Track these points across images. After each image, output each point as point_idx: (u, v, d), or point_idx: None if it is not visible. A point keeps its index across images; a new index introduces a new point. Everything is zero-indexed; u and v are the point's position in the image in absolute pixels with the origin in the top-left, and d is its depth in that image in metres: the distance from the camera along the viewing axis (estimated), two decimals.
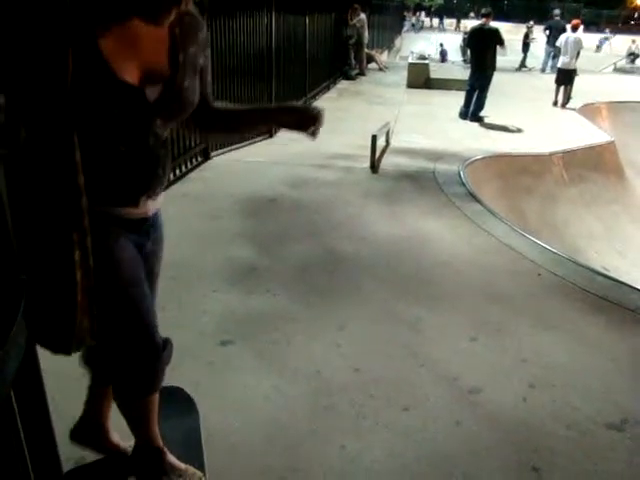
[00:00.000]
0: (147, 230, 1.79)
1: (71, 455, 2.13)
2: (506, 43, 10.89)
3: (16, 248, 1.12)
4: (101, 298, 1.58)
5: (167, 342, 1.91)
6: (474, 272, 4.14)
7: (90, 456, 2.20)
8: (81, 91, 1.38)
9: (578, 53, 12.97)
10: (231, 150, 7.16)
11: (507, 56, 19.55)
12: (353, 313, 3.50)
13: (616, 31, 40.15)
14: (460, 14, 48.47)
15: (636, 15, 63.95)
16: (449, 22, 44.60)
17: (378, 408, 2.67)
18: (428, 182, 6.36)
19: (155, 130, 1.60)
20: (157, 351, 1.79)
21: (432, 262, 4.28)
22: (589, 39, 26.73)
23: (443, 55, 23.52)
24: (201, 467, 2.13)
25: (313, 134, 1.77)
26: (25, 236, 1.44)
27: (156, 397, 1.93)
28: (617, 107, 13.85)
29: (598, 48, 33.12)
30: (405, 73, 15.68)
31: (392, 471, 2.31)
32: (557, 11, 22.77)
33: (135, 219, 1.70)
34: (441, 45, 24.67)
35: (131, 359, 1.77)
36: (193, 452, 2.20)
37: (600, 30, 38.83)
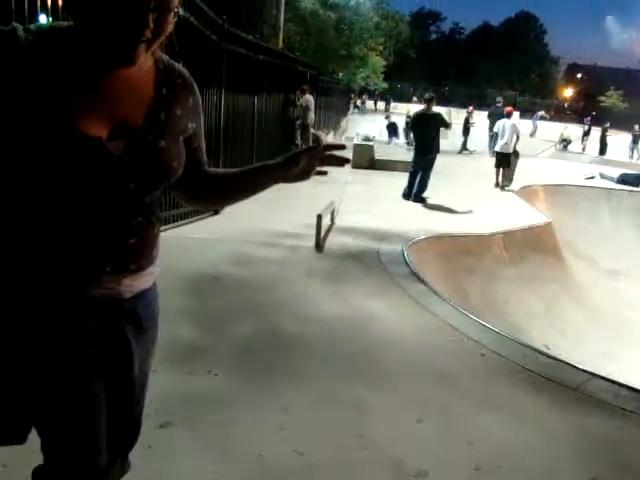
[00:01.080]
0: (123, 317, 1.49)
1: None
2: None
3: None
4: (43, 401, 1.45)
5: (123, 463, 1.73)
6: (419, 352, 4.14)
7: None
8: (34, 140, 1.24)
9: (517, 137, 13.58)
10: (177, 226, 7.12)
11: (448, 139, 20.27)
12: (297, 394, 3.43)
13: (549, 119, 42.27)
14: (403, 98, 50.48)
15: (566, 105, 68.15)
16: (393, 105, 46.17)
17: None
18: (372, 262, 6.41)
19: (126, 192, 1.37)
20: (98, 473, 1.56)
21: (376, 342, 4.26)
22: (525, 125, 28.03)
23: (394, 129, 23.91)
24: None
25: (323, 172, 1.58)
26: None
27: None
28: (553, 190, 14.44)
29: (532, 134, 34.60)
30: (350, 154, 16.05)
31: None
32: (499, 99, 23.99)
33: (100, 299, 1.42)
34: (388, 119, 25.17)
35: (66, 475, 1.55)
36: None
37: (534, 112, 40.76)
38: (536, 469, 2.86)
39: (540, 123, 37.08)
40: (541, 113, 40.85)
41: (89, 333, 1.44)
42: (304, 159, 1.52)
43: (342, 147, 1.56)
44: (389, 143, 22.89)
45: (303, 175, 1.54)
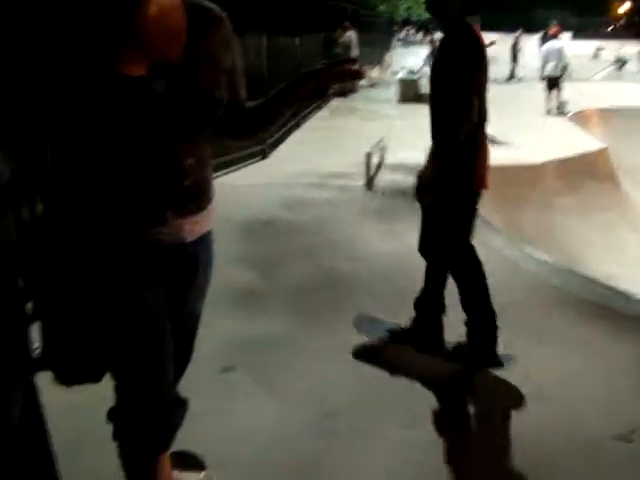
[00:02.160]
0: (188, 260, 1.58)
1: None
2: (494, 54, 10.93)
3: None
4: (117, 344, 1.54)
5: (182, 403, 1.86)
6: None
7: None
8: (82, 89, 1.27)
9: (562, 60, 13.11)
10: (226, 173, 7.17)
11: (496, 65, 19.57)
12: (353, 332, 3.49)
13: (604, 38, 40.39)
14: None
15: (622, 22, 64.63)
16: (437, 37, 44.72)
17: (380, 429, 2.67)
18: None
19: (175, 131, 1.41)
20: (168, 409, 1.70)
21: None
22: (577, 47, 26.91)
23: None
24: None
25: (347, 91, 1.56)
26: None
27: (162, 462, 1.84)
28: (609, 114, 13.92)
29: (595, 57, 33.16)
30: (396, 88, 15.74)
31: None
32: (554, 22, 22.95)
33: (167, 245, 1.48)
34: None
35: (138, 414, 1.68)
36: None
37: (588, 37, 38.98)
38: (595, 400, 2.86)
39: (592, 43, 35.51)
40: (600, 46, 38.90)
41: (158, 278, 1.52)
42: (313, 78, 1.53)
43: (353, 61, 1.53)
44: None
45: (318, 93, 1.54)
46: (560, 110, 12.88)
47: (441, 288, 3.25)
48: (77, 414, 2.53)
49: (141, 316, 1.51)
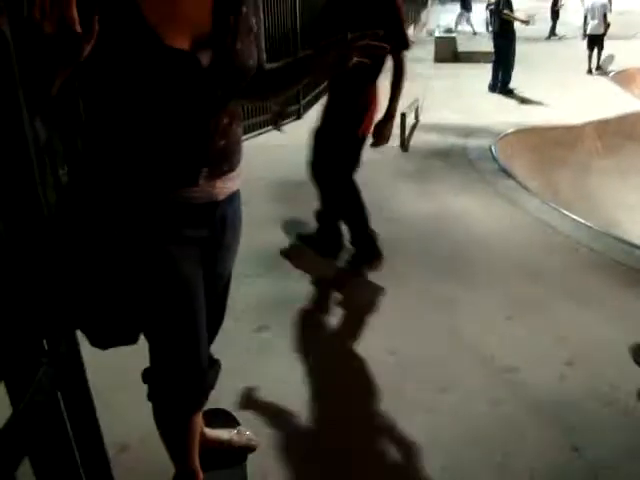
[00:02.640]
0: (218, 219, 1.59)
1: (114, 441, 2.16)
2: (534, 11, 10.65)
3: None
4: (151, 305, 1.55)
5: (215, 363, 1.87)
6: (509, 249, 4.10)
7: (134, 443, 2.25)
8: (126, 59, 1.26)
9: (605, 16, 12.70)
10: (259, 134, 7.16)
11: (535, 24, 19.10)
12: (388, 294, 3.50)
13: None
14: None
15: None
16: None
17: (415, 389, 2.67)
18: (459, 159, 6.29)
19: (215, 100, 1.42)
20: (202, 369, 1.70)
21: (465, 240, 4.24)
22: (625, 2, 25.97)
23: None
24: None
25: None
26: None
27: (197, 421, 1.87)
28: None
29: None
30: (432, 47, 15.48)
31: (431, 452, 2.31)
32: None
33: (200, 204, 1.49)
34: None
35: (175, 374, 1.68)
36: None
37: None
38: (630, 365, 2.83)
39: None
40: None
41: (190, 238, 1.52)
42: (334, 50, 1.44)
43: (377, 34, 1.43)
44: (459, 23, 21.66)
45: (339, 66, 1.46)
46: (602, 69, 12.55)
47: (360, 209, 3.82)
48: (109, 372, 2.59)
49: (173, 276, 1.52)
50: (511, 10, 10.20)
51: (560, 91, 10.25)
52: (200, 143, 1.43)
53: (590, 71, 12.56)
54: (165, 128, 1.38)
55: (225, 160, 1.51)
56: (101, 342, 1.59)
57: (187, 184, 1.45)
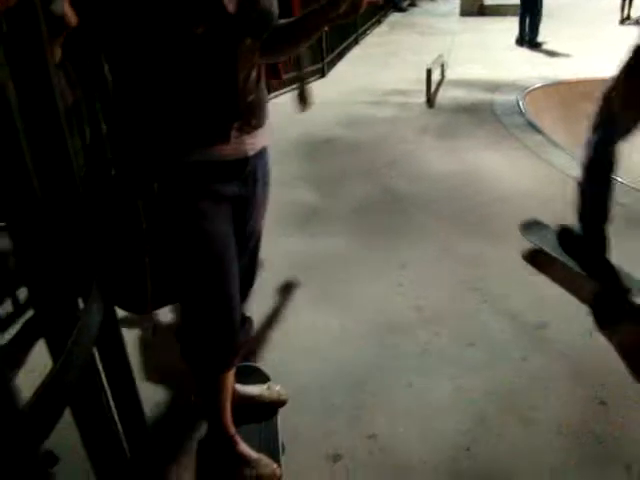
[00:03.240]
0: (248, 175, 1.61)
1: (147, 397, 2.22)
2: None
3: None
4: (184, 265, 1.56)
5: (247, 320, 1.89)
6: (536, 205, 4.06)
7: (163, 399, 2.31)
8: (154, 12, 1.27)
9: None
10: (284, 92, 7.12)
11: None
12: (413, 251, 3.50)
13: None
14: None
15: None
16: None
17: (443, 345, 2.70)
18: (486, 114, 6.21)
19: (243, 50, 1.42)
20: (234, 328, 1.72)
21: (492, 196, 4.21)
22: None
23: None
24: (276, 458, 2.04)
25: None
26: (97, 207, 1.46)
27: (229, 378, 1.89)
28: None
29: None
30: (457, 1, 15.16)
31: (459, 407, 2.33)
32: None
33: (230, 160, 1.51)
34: None
35: (207, 333, 1.71)
36: (269, 440, 2.13)
37: None
38: None
39: None
40: None
41: (221, 195, 1.54)
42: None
43: None
44: None
45: (351, 12, 1.45)
46: (635, 19, 12.19)
47: None
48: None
49: (205, 232, 1.53)
50: None
51: (590, 43, 10.01)
52: (231, 97, 1.44)
53: (622, 21, 12.21)
54: (197, 82, 1.39)
55: (254, 115, 1.53)
56: (140, 307, 1.62)
57: (219, 140, 1.46)
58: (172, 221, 1.49)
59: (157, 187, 1.42)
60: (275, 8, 1.51)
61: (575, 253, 3.23)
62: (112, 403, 1.19)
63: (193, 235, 1.52)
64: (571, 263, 3.18)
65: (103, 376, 1.12)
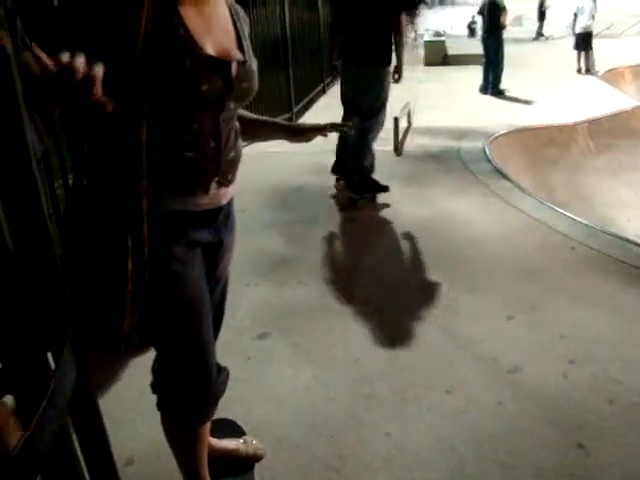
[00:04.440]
0: (221, 222, 1.66)
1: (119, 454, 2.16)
2: (520, 13, 10.71)
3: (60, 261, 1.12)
4: (158, 312, 1.54)
5: (223, 371, 1.86)
6: (506, 249, 4.11)
7: (139, 456, 2.24)
8: (160, 64, 1.33)
9: (593, 16, 12.77)
10: (252, 142, 7.17)
11: (522, 26, 19.17)
12: (388, 298, 3.50)
13: None
14: None
15: None
16: None
17: (419, 393, 2.67)
18: (453, 161, 6.31)
19: (227, 111, 1.52)
20: (210, 376, 1.70)
21: (463, 241, 4.25)
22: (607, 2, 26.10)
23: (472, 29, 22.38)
24: None
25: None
26: (76, 239, 1.45)
27: (205, 431, 1.87)
28: None
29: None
30: (421, 51, 15.53)
31: (439, 456, 2.30)
32: None
33: (206, 210, 1.56)
34: (473, 17, 23.12)
35: (183, 382, 1.68)
36: None
37: None
38: (633, 361, 2.84)
39: None
40: None
41: (196, 242, 1.57)
42: (309, 133, 1.87)
43: (347, 126, 2.07)
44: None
45: (305, 141, 1.87)
46: (591, 69, 12.60)
47: None
48: (113, 386, 2.58)
49: (182, 280, 1.53)
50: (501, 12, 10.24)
51: (551, 91, 10.31)
52: (215, 155, 1.51)
53: (579, 70, 12.62)
54: (184, 140, 1.45)
55: (232, 171, 1.60)
56: (111, 346, 1.58)
57: (199, 192, 1.51)
58: (150, 266, 1.46)
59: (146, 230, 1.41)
60: (256, 84, 1.61)
61: None
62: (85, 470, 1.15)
63: (168, 278, 1.51)
64: None
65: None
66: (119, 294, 1.43)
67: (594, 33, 12.97)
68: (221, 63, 1.45)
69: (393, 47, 4.81)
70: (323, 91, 10.80)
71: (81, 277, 1.47)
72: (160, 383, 1.75)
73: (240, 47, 1.55)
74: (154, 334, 1.60)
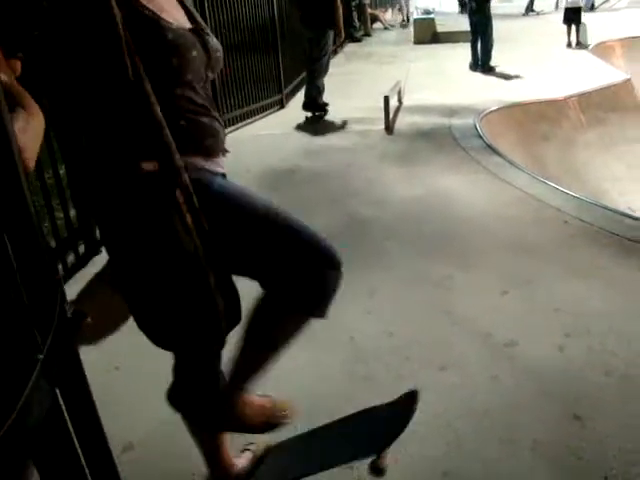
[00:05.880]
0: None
1: (118, 440, 2.15)
2: None
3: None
4: (248, 239, 1.58)
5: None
6: (499, 225, 4.11)
7: (138, 441, 2.24)
8: (145, 46, 1.33)
9: None
10: (245, 125, 7.14)
11: (512, 1, 19.07)
12: (382, 277, 3.49)
13: None
14: None
15: None
16: None
17: (415, 370, 2.67)
18: (444, 138, 6.29)
19: (207, 82, 1.56)
20: (332, 258, 1.67)
21: (456, 219, 4.24)
22: None
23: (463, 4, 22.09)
24: None
25: None
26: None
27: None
28: (632, 43, 13.54)
29: None
30: (411, 30, 15.44)
31: (435, 432, 2.31)
32: None
33: (223, 174, 1.61)
34: None
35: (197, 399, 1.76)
36: None
37: None
38: (628, 333, 2.84)
39: None
40: None
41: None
42: None
43: None
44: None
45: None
46: (581, 43, 12.55)
47: None
48: (113, 370, 2.57)
49: (245, 191, 1.62)
50: None
51: (541, 66, 10.26)
52: (218, 119, 1.57)
53: (570, 45, 12.56)
54: (198, 109, 1.49)
55: (224, 143, 1.63)
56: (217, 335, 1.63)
57: (219, 155, 1.59)
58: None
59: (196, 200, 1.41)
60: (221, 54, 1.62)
61: None
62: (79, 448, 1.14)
63: (232, 203, 1.57)
64: None
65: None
66: (202, 280, 1.44)
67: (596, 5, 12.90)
68: (195, 31, 1.48)
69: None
70: None
71: (149, 285, 1.48)
72: (177, 395, 1.78)
73: (194, 21, 1.54)
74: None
